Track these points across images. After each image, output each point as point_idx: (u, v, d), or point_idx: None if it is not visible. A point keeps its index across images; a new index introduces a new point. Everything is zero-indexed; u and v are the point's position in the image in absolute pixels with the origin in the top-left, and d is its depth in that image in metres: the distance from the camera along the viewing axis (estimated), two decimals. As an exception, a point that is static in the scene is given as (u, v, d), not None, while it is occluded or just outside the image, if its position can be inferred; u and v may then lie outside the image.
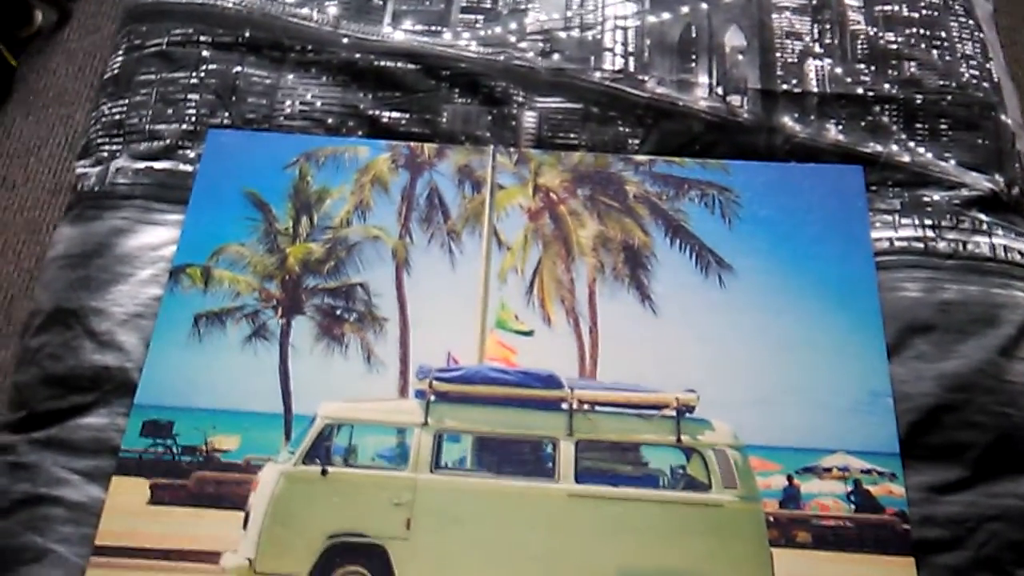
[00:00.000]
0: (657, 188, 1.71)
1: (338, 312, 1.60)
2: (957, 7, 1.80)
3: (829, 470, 1.48)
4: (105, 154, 1.76)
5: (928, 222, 1.59)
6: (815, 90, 1.73)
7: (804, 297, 1.61)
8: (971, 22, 1.77)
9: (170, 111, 1.79)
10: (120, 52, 1.90)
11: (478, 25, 1.88)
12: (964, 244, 1.53)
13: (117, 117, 1.80)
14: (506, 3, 1.91)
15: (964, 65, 1.71)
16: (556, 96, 1.79)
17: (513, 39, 1.84)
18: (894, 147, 1.66)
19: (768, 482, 1.48)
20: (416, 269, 1.63)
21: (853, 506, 1.45)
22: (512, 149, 1.77)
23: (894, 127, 1.67)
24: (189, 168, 1.72)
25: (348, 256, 1.64)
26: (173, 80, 1.83)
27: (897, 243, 1.61)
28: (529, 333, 1.60)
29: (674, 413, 1.48)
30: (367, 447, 1.48)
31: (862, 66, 1.75)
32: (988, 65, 1.64)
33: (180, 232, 1.64)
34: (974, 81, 1.62)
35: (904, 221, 1.62)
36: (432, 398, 1.49)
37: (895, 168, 1.65)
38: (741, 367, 1.55)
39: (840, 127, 1.70)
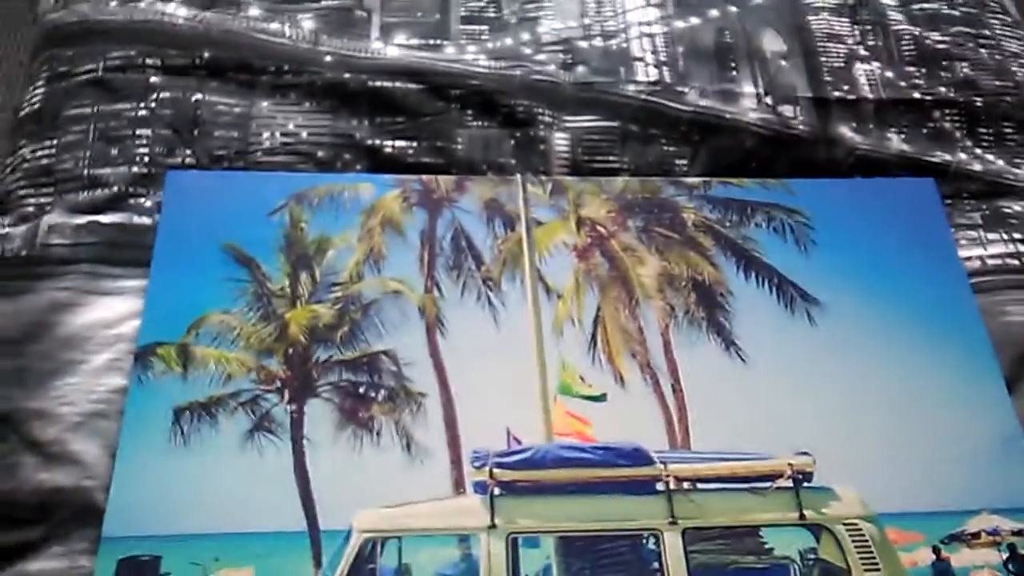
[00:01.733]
0: (718, 214, 1.46)
1: (362, 390, 1.26)
2: (992, 4, 1.68)
3: (977, 535, 1.24)
4: (31, 208, 1.38)
5: (1018, 235, 1.43)
6: (870, 96, 1.55)
7: (903, 330, 1.38)
8: (1009, 19, 1.66)
9: (114, 151, 1.43)
10: (40, 83, 1.52)
11: (484, 36, 1.60)
12: None
13: (43, 162, 1.42)
14: (512, 11, 1.64)
15: (1015, 63, 1.58)
16: (588, 114, 1.52)
17: (528, 51, 1.58)
18: (962, 155, 1.49)
19: (913, 558, 1.23)
20: (452, 329, 1.32)
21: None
22: (543, 177, 1.49)
23: (958, 133, 1.51)
24: (147, 220, 1.36)
25: (365, 318, 1.31)
26: (115, 113, 1.46)
27: (990, 262, 1.42)
28: (602, 398, 1.30)
29: (791, 483, 1.22)
30: (424, 565, 1.14)
31: (912, 68, 1.59)
32: None
33: (144, 302, 1.27)
34: None
35: (991, 236, 1.44)
36: (496, 491, 1.18)
37: (967, 178, 1.48)
38: (851, 420, 1.30)
39: (903, 136, 1.52)
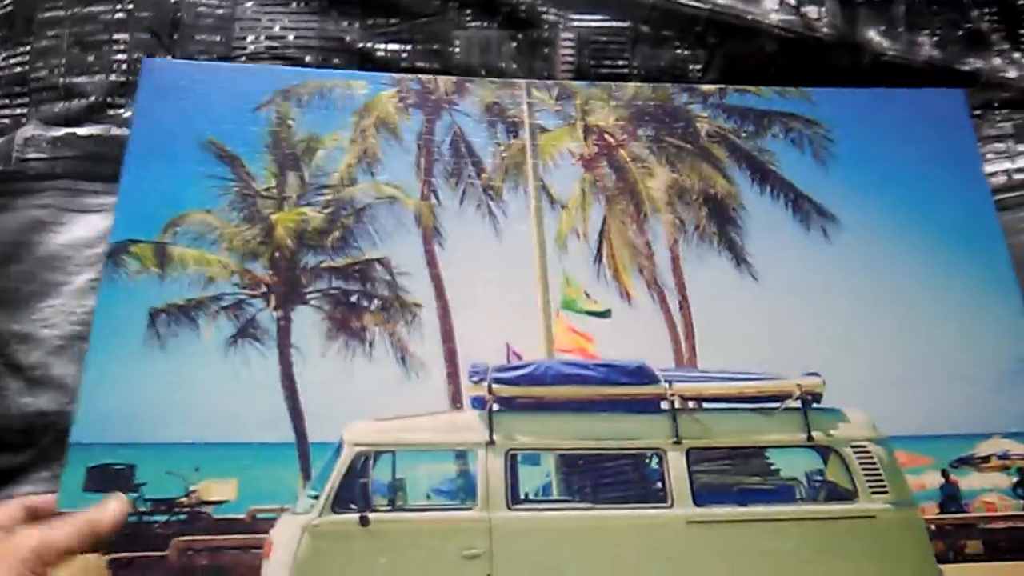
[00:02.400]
0: (733, 123, 1.38)
1: (354, 298, 1.18)
2: None
3: (987, 459, 1.21)
4: (6, 121, 1.27)
5: None
6: None
7: (922, 249, 1.32)
8: None
9: (91, 58, 1.32)
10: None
11: None
12: None
13: (17, 70, 1.31)
14: None
15: None
16: (596, 14, 1.42)
17: None
18: (996, 60, 1.40)
19: (921, 481, 1.19)
20: (450, 238, 1.23)
21: (1023, 501, 1.18)
22: (550, 82, 1.39)
23: (994, 36, 1.40)
24: (126, 132, 1.25)
25: (357, 223, 1.23)
26: (91, 16, 1.35)
27: (1016, 176, 1.36)
28: (606, 313, 1.24)
29: (799, 404, 1.18)
30: (418, 481, 1.09)
31: None
32: None
33: (117, 198, 1.18)
34: None
35: (1021, 149, 1.37)
36: (494, 406, 1.12)
37: (1000, 86, 1.38)
38: (865, 340, 1.25)
39: (935, 39, 1.42)
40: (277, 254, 1.19)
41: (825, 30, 1.41)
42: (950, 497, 1.18)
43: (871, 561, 1.12)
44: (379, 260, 1.20)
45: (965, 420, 1.21)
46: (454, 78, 1.36)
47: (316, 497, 1.05)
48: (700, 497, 1.11)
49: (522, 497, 1.09)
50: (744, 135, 1.36)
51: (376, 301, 1.18)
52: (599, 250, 1.27)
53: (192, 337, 1.11)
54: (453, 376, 1.15)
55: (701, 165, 1.34)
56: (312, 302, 1.17)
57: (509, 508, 1.07)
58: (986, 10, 1.41)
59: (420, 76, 1.35)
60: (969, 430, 1.21)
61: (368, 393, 1.12)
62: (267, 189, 1.23)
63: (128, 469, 1.02)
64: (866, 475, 1.15)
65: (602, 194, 1.31)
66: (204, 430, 1.06)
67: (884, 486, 1.15)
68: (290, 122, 1.27)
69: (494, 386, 1.13)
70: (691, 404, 1.16)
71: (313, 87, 1.30)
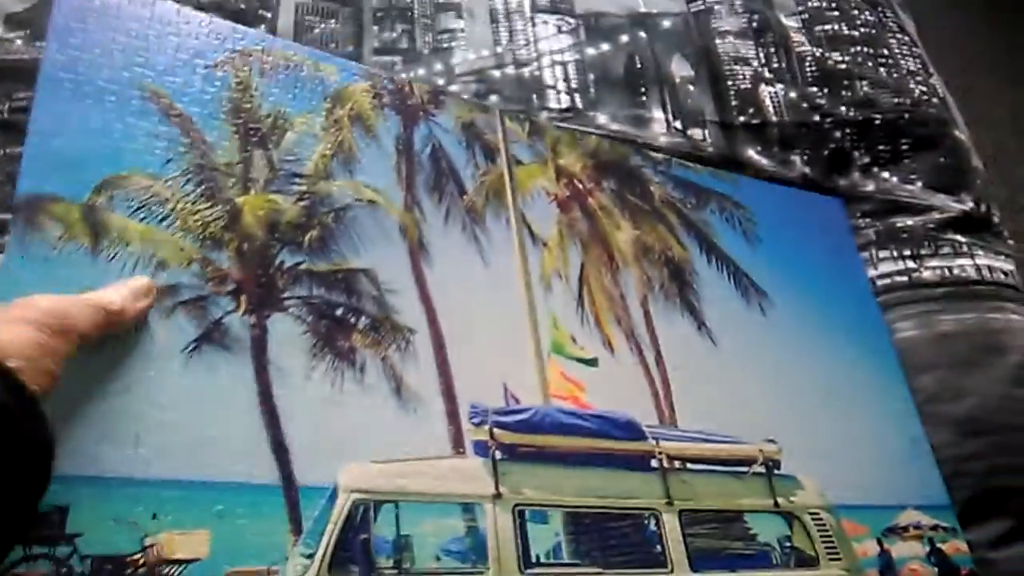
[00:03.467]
0: (679, 193, 1.40)
1: (339, 312, 0.96)
2: (891, 23, 1.72)
3: (907, 529, 1.31)
4: None
5: (907, 252, 1.50)
6: (774, 119, 1.59)
7: (831, 336, 1.44)
8: (907, 38, 1.71)
9: None
10: None
11: (397, 67, 1.40)
12: (950, 269, 1.43)
13: None
14: (425, 42, 1.46)
15: (912, 81, 1.59)
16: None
17: (442, 81, 1.40)
18: (857, 175, 1.56)
19: (862, 549, 1.25)
20: (437, 258, 1.08)
21: (936, 568, 1.29)
22: (522, 115, 1.31)
23: (856, 152, 1.57)
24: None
25: (337, 224, 1.02)
26: None
27: (880, 282, 1.54)
28: (593, 362, 1.15)
29: (763, 469, 1.19)
30: (425, 538, 0.89)
31: (815, 89, 1.62)
32: (932, 80, 1.57)
33: (26, 137, 0.85)
34: (924, 97, 1.53)
35: (883, 254, 1.53)
36: (497, 454, 0.97)
37: (862, 198, 1.54)
38: (801, 412, 1.31)
39: (805, 158, 1.57)
40: (245, 245, 0.93)
41: (710, 150, 1.50)
42: (886, 565, 1.25)
43: (832, 628, 1.14)
44: (365, 271, 1.01)
45: (886, 492, 1.30)
46: (429, 87, 1.23)
47: (311, 555, 0.80)
48: (695, 562, 1.05)
49: (534, 560, 0.94)
50: (689, 206, 1.40)
51: (364, 319, 0.97)
52: (580, 295, 1.20)
53: (141, 336, 0.82)
54: (453, 415, 0.98)
55: (658, 226, 1.34)
56: (291, 310, 0.93)
57: (522, 573, 0.92)
58: (847, 131, 1.56)
59: (395, 78, 1.20)
60: (889, 502, 1.30)
61: (362, 427, 0.90)
62: (228, 165, 0.97)
63: (57, 514, 0.69)
64: (824, 542, 1.18)
65: (578, 238, 1.25)
66: (162, 461, 0.77)
67: (838, 553, 1.18)
68: (253, 92, 1.04)
69: (495, 431, 0.98)
70: (676, 464, 1.12)
71: (279, 57, 1.08)
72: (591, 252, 1.25)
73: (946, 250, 1.43)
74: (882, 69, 1.58)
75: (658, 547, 1.04)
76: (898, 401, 1.41)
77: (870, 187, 1.51)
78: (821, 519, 1.20)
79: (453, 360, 1.01)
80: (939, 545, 1.31)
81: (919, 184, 1.49)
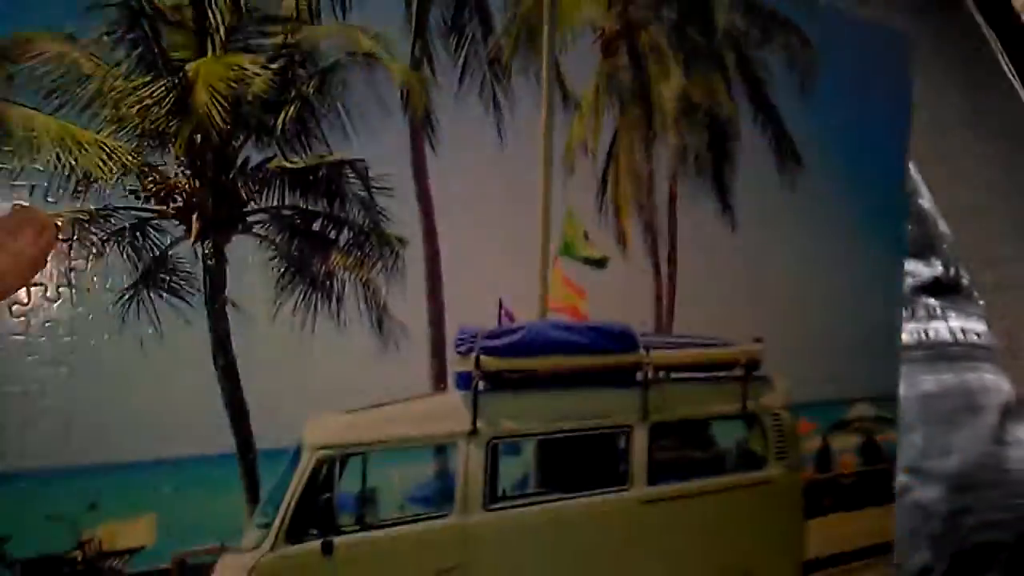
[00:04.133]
0: (746, 24, 1.13)
1: (317, 225, 0.78)
2: None
3: (851, 423, 1.33)
4: None
5: None
6: None
7: (848, 219, 1.29)
8: None
9: None
10: None
11: None
12: (926, 332, 1.45)
13: None
14: None
15: None
16: None
17: None
18: None
19: (809, 446, 1.27)
20: (445, 137, 0.86)
21: (862, 458, 1.34)
22: (581, -103, 0.96)
23: None
24: None
25: (323, 97, 0.78)
26: None
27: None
28: (602, 262, 1.01)
29: (742, 372, 1.14)
30: (392, 487, 0.83)
31: None
32: None
33: None
34: None
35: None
36: (481, 386, 0.89)
37: None
38: (793, 307, 1.22)
39: None
40: (198, 138, 0.71)
41: None
42: (824, 459, 1.29)
43: (764, 522, 1.19)
44: (352, 164, 0.79)
45: (846, 386, 1.29)
46: None
47: (268, 524, 0.75)
48: (655, 475, 1.05)
49: (499, 495, 0.92)
50: (753, 43, 1.13)
51: (347, 232, 0.79)
52: (605, 173, 1.00)
53: (60, 291, 0.64)
54: (438, 346, 0.86)
55: (712, 74, 1.10)
56: (256, 228, 0.74)
57: (485, 510, 0.90)
58: None
59: None
60: (846, 395, 1.30)
61: (334, 374, 0.79)
62: (175, 8, 0.69)
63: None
64: (776, 443, 1.19)
65: (617, 95, 1.01)
66: (97, 442, 0.66)
67: (785, 453, 1.20)
68: None
69: (482, 358, 0.88)
70: (660, 374, 1.06)
71: None
72: (629, 114, 1.02)
73: (921, 314, 1.46)
74: None
75: (623, 465, 1.02)
76: (890, 292, 1.34)
77: None
78: (779, 420, 1.19)
79: (448, 273, 0.86)
80: (876, 437, 1.36)
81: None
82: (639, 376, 1.03)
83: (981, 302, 1.44)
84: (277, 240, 0.75)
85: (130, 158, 0.67)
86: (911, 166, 1.51)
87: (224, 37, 0.72)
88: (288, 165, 0.75)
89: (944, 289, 1.48)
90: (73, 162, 0.64)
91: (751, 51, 1.13)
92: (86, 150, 0.65)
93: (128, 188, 0.67)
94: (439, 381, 0.86)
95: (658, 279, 1.06)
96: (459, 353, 0.87)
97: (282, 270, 0.75)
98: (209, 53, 0.71)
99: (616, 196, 1.02)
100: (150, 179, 0.68)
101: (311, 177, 0.77)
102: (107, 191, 0.66)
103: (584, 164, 0.98)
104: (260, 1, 0.74)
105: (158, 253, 0.68)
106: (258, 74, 0.73)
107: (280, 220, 0.75)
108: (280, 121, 0.75)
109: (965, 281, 1.47)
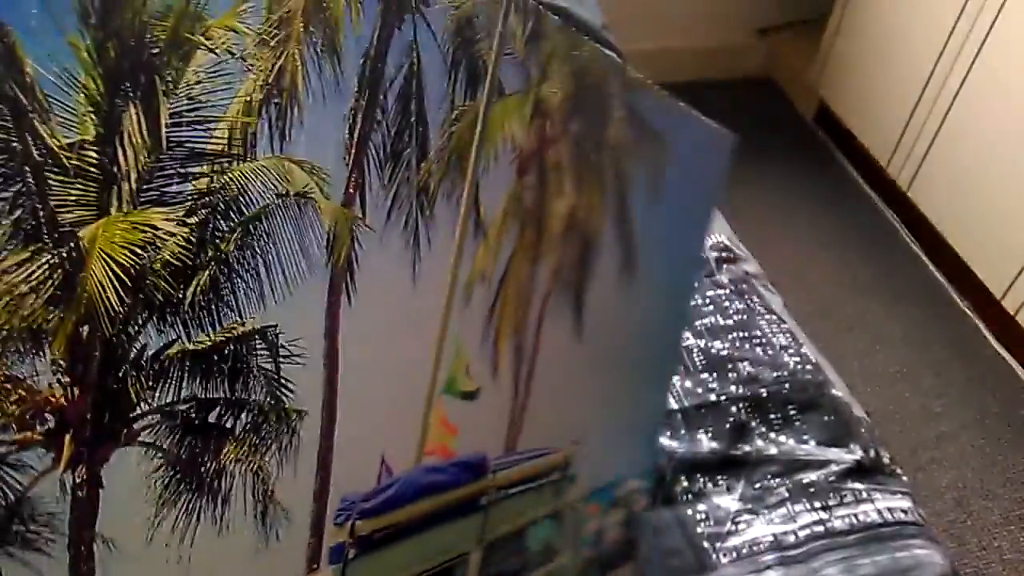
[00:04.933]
0: (633, 133, 1.10)
1: (214, 417, 0.61)
2: (759, 308, 1.73)
3: (619, 500, 1.42)
4: None
5: (818, 504, 1.49)
6: (675, 407, 1.48)
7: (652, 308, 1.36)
8: (774, 316, 1.74)
9: None
10: None
11: None
12: (856, 516, 1.51)
13: None
14: None
15: (785, 355, 1.66)
16: None
17: None
18: (760, 442, 1.53)
19: (592, 527, 1.33)
20: (364, 282, 0.72)
21: (624, 528, 1.44)
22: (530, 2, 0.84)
23: (753, 423, 1.55)
24: None
25: (244, 253, 0.60)
26: None
27: (801, 533, 1.51)
28: (475, 394, 0.93)
29: (559, 475, 1.16)
30: None
31: (705, 375, 1.55)
32: (803, 349, 1.67)
33: None
34: (799, 366, 1.63)
35: (798, 508, 1.51)
36: (351, 554, 0.79)
37: (769, 460, 1.53)
38: (608, 399, 1.27)
39: (710, 434, 1.49)
40: (84, 331, 0.50)
41: None
42: (597, 538, 1.36)
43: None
44: (263, 332, 0.63)
45: (621, 466, 1.37)
46: (435, -61, 0.70)
47: None
48: (481, 594, 1.04)
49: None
50: (634, 151, 1.11)
51: (246, 416, 0.63)
52: (493, 304, 0.92)
53: None
54: (318, 523, 0.74)
55: (595, 190, 1.05)
56: (144, 435, 0.55)
57: None
58: (741, 405, 1.53)
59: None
60: (620, 474, 1.38)
61: (209, 583, 0.63)
62: (73, 147, 0.47)
63: None
64: (570, 535, 1.24)
65: (518, 218, 0.92)
66: None
67: (570, 542, 1.26)
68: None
69: (357, 524, 0.79)
70: (501, 493, 1.03)
71: None
72: (525, 236, 0.94)
73: (849, 499, 1.51)
74: (758, 349, 1.66)
75: (458, 592, 0.99)
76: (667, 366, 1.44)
77: (773, 451, 1.52)
78: (575, 513, 1.24)
79: (340, 439, 0.74)
80: (632, 508, 1.48)
81: (812, 443, 1.56)
82: (484, 500, 0.99)
83: (904, 478, 1.52)
84: (166, 445, 0.57)
85: (-10, 373, 0.45)
86: (820, 361, 1.61)
87: (134, 185, 0.51)
88: (191, 348, 0.57)
89: (867, 472, 1.53)
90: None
91: (625, 163, 1.11)
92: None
93: (-18, 417, 0.45)
94: (313, 561, 0.74)
95: (515, 400, 1.02)
96: (336, 524, 0.76)
97: (167, 481, 0.58)
98: (113, 210, 0.50)
99: (500, 322, 0.94)
100: (13, 399, 0.47)
101: (215, 357, 0.59)
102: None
103: (479, 292, 0.89)
104: (184, 127, 0.53)
105: (12, 499, 0.48)
106: (172, 234, 0.53)
107: (172, 418, 0.57)
108: (191, 292, 0.56)
109: (886, 460, 1.53)
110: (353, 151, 0.67)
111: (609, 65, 1.02)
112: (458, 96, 0.77)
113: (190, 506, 0.60)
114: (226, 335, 0.59)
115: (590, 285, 1.10)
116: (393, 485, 0.82)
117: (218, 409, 0.61)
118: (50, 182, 0.46)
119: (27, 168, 0.45)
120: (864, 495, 1.47)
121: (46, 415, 0.48)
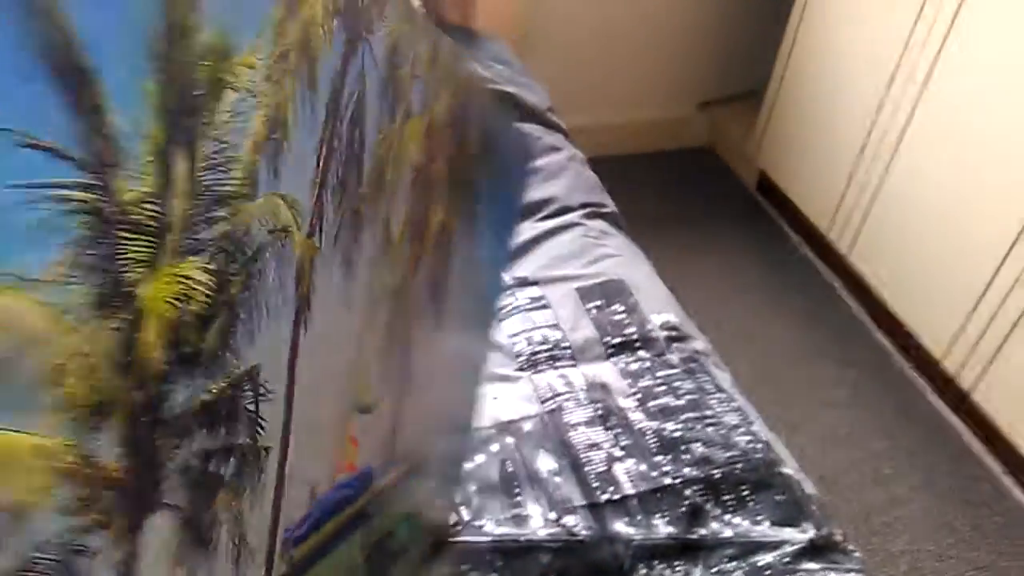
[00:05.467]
0: (483, 143, 1.16)
1: (211, 467, 0.58)
2: (709, 387, 1.72)
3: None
4: None
5: None
6: (632, 492, 1.46)
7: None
8: (725, 395, 1.72)
9: None
10: None
11: None
12: None
13: None
14: None
15: (736, 434, 1.66)
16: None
17: None
18: (715, 524, 1.52)
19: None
20: (316, 313, 0.71)
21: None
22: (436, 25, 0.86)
23: (707, 505, 1.54)
24: None
25: (245, 296, 0.58)
26: None
27: None
28: (372, 407, 0.95)
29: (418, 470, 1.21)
30: None
31: (659, 458, 1.54)
32: (754, 427, 1.65)
33: None
34: (750, 445, 1.63)
35: None
36: (290, 582, 0.79)
37: (725, 544, 1.49)
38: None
39: (666, 519, 1.48)
40: (140, 396, 0.46)
41: (584, 532, 1.37)
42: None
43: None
44: (250, 373, 0.61)
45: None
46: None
47: None
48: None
49: None
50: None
51: (234, 462, 0.61)
52: (391, 316, 0.94)
53: None
54: (270, 557, 0.73)
55: (456, 201, 1.11)
56: (166, 497, 0.52)
57: None
58: (695, 488, 1.52)
59: (362, -52, 0.65)
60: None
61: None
62: (136, 205, 0.44)
63: None
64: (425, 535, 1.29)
65: (409, 232, 0.95)
66: None
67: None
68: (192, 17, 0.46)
69: (294, 552, 0.79)
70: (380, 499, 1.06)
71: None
72: (413, 248, 0.97)
73: None
74: (710, 428, 1.63)
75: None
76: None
77: (728, 533, 1.50)
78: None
79: (291, 471, 0.73)
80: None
81: (767, 523, 1.54)
82: (370, 509, 1.01)
83: (857, 554, 1.50)
84: (183, 504, 0.54)
85: (72, 453, 0.41)
86: (771, 439, 1.60)
87: (177, 236, 0.48)
88: (205, 398, 0.54)
89: (820, 551, 1.50)
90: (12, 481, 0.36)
91: (476, 172, 1.17)
92: (21, 470, 0.37)
93: (61, 502, 0.41)
94: (265, 594, 0.73)
95: (398, 404, 1.04)
96: (282, 557, 0.75)
97: (179, 541, 0.55)
98: (159, 261, 0.47)
99: (395, 333, 0.96)
100: (80, 480, 0.42)
101: (217, 406, 0.57)
102: (38, 523, 0.39)
103: (383, 306, 0.91)
104: (211, 175, 0.51)
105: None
106: (201, 283, 0.51)
107: (187, 474, 0.54)
108: (206, 343, 0.53)
109: (838, 537, 1.50)
110: (319, 181, 0.66)
111: (472, 81, 1.07)
112: (384, 119, 0.79)
113: (193, 563, 0.57)
114: (227, 380, 0.57)
115: (447, 281, 1.15)
116: (313, 510, 0.82)
117: (213, 460, 0.58)
118: (119, 242, 0.42)
119: (104, 226, 0.41)
120: (820, 574, 1.45)
121: (102, 490, 0.44)
